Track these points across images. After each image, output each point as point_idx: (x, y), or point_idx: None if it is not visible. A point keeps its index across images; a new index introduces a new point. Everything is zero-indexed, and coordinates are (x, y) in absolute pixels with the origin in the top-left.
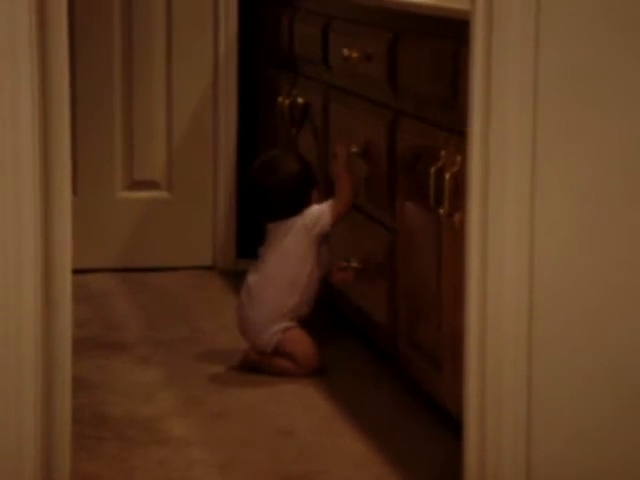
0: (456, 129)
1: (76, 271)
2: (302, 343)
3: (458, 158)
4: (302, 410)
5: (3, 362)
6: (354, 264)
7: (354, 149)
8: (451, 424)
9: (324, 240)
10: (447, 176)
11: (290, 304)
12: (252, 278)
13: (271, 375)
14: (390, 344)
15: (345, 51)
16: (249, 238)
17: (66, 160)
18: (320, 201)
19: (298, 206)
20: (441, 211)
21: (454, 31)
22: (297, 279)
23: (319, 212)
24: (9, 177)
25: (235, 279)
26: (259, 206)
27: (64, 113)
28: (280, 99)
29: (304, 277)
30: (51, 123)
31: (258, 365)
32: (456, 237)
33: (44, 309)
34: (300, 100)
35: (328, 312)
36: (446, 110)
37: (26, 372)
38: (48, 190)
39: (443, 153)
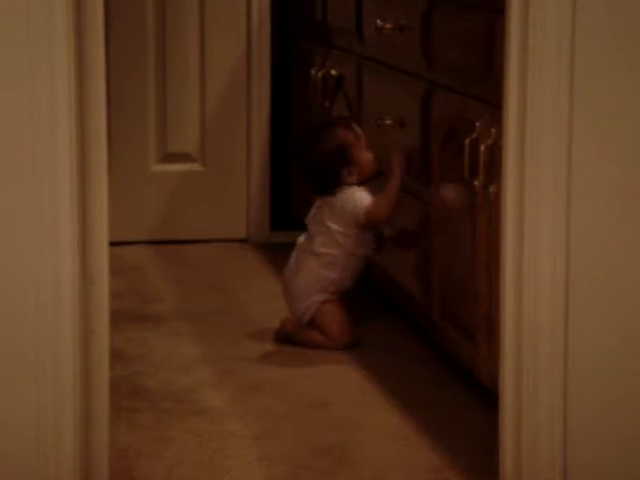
0: (491, 100)
1: (110, 244)
2: (336, 319)
3: (493, 130)
4: (336, 382)
5: (42, 335)
6: (387, 232)
7: (388, 121)
8: (486, 396)
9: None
10: (482, 148)
11: (330, 279)
12: (302, 245)
13: (305, 347)
14: (424, 317)
15: (379, 22)
16: (283, 211)
17: (102, 133)
18: (361, 177)
19: (329, 183)
20: (476, 183)
21: (488, 1)
22: (339, 258)
23: (358, 201)
24: (46, 151)
25: (269, 251)
26: (303, 177)
27: (100, 86)
28: (313, 71)
29: (346, 257)
30: (87, 96)
31: (293, 336)
32: (491, 209)
33: (81, 282)
34: (333, 72)
35: (363, 285)
36: (481, 81)
37: (64, 345)
38: (85, 163)
39: (478, 125)
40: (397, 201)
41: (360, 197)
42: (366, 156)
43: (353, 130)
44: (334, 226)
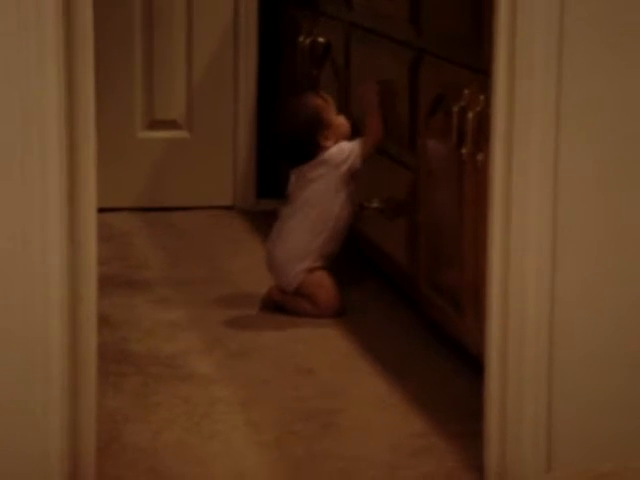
0: (480, 68)
1: (96, 210)
2: (323, 286)
3: (481, 97)
4: (323, 349)
5: (29, 300)
6: (375, 204)
7: (383, 86)
8: (472, 364)
9: (352, 181)
10: (470, 115)
11: (319, 241)
12: (284, 214)
13: (292, 315)
14: (411, 285)
15: None
16: (269, 178)
17: (90, 98)
18: (337, 140)
19: (307, 150)
20: (464, 151)
21: None
22: (326, 216)
23: (349, 149)
24: (34, 116)
25: (255, 219)
26: (276, 153)
27: (88, 52)
28: (301, 38)
29: (333, 214)
30: (75, 62)
31: (280, 304)
32: (478, 177)
33: (69, 247)
34: (321, 39)
35: (350, 254)
36: (469, 49)
37: (52, 309)
38: (72, 129)
39: (466, 92)
40: (383, 132)
41: (349, 145)
42: (339, 119)
43: (321, 96)
44: (321, 187)
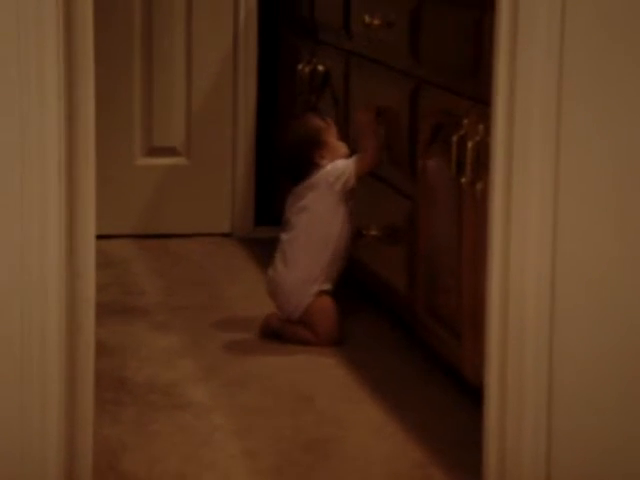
0: (479, 98)
1: (95, 237)
2: (328, 316)
3: (480, 127)
4: (321, 377)
5: (27, 328)
6: (373, 232)
7: (379, 112)
8: (470, 393)
9: (350, 198)
10: (469, 145)
11: (322, 264)
12: (285, 240)
13: (290, 343)
14: (409, 313)
15: (366, 18)
16: (267, 205)
17: (90, 125)
18: (324, 162)
19: (304, 168)
20: (463, 180)
21: None
22: (327, 237)
23: (343, 166)
24: (34, 144)
25: (253, 246)
26: (276, 170)
27: (89, 80)
28: (300, 66)
29: (334, 235)
30: (76, 90)
31: (278, 332)
32: (477, 206)
33: (68, 275)
34: (320, 67)
35: (348, 281)
36: (469, 78)
37: (50, 339)
38: (72, 157)
39: (465, 122)
40: (379, 153)
41: (343, 163)
42: (338, 143)
43: (323, 118)
44: (319, 208)
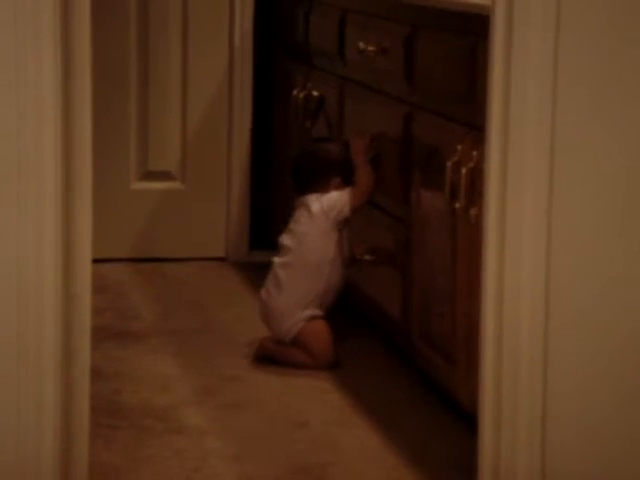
0: (473, 124)
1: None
2: (321, 338)
3: (474, 153)
4: (316, 402)
5: (23, 352)
6: (367, 257)
7: (372, 143)
8: (464, 418)
9: (344, 227)
10: (463, 171)
11: (315, 291)
12: (278, 264)
13: (286, 367)
14: (404, 338)
15: (361, 44)
16: (262, 230)
17: (87, 151)
18: (333, 190)
19: (315, 181)
20: (457, 205)
21: (471, 25)
22: (320, 263)
23: (338, 197)
24: (31, 167)
25: (247, 270)
26: (292, 176)
27: (86, 105)
28: (295, 92)
29: (327, 263)
30: (73, 115)
31: (273, 355)
32: (471, 232)
33: (64, 300)
34: (315, 93)
35: (343, 305)
36: (463, 105)
37: (45, 362)
38: (69, 181)
39: (459, 148)
40: (372, 184)
41: (338, 194)
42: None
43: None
44: (312, 231)
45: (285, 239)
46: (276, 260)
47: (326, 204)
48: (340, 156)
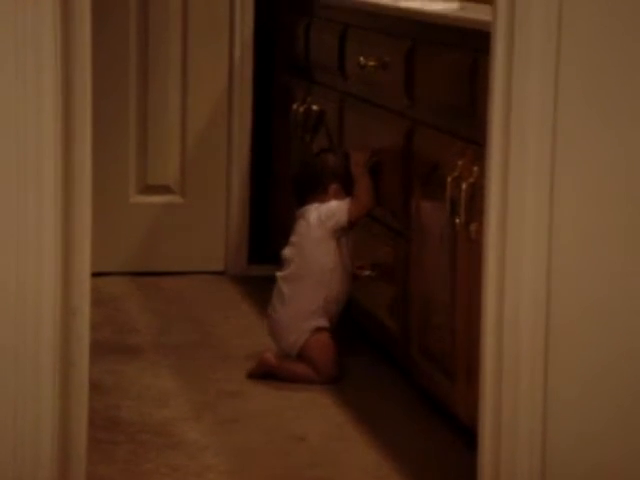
0: (473, 139)
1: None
2: (326, 351)
3: (475, 168)
4: (315, 417)
5: (21, 366)
6: (367, 272)
7: (373, 158)
8: (464, 433)
9: (342, 236)
10: (464, 186)
11: (318, 301)
12: (281, 277)
13: (283, 381)
14: (403, 353)
15: (361, 59)
16: (261, 244)
17: (87, 165)
18: (332, 199)
19: (313, 190)
20: (457, 221)
21: (472, 41)
22: (321, 275)
23: (336, 206)
24: (31, 181)
25: (246, 284)
26: (292, 188)
27: (86, 118)
28: (295, 106)
29: (327, 273)
30: (73, 129)
31: (275, 370)
32: (472, 247)
33: (63, 313)
34: (315, 107)
35: (343, 320)
36: (463, 120)
37: (44, 376)
38: (68, 194)
39: (460, 163)
40: (372, 199)
41: (337, 204)
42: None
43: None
44: (310, 240)
45: (286, 251)
46: (279, 274)
47: (324, 213)
48: (337, 163)
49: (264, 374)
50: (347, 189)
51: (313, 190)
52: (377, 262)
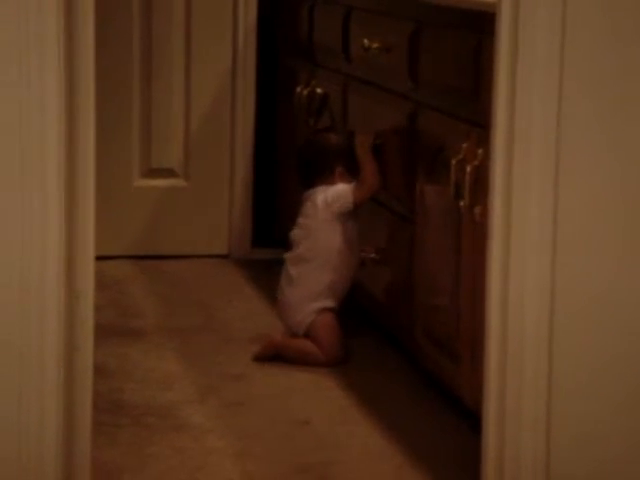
0: (477, 122)
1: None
2: (331, 331)
3: (479, 151)
4: (319, 400)
5: (26, 350)
6: (372, 255)
7: (376, 140)
8: (468, 416)
9: (350, 219)
10: (468, 169)
11: (324, 282)
12: (288, 259)
13: (288, 364)
14: (408, 336)
15: (365, 42)
16: (265, 227)
17: (90, 147)
18: (338, 181)
19: (319, 172)
20: (461, 203)
21: (476, 23)
22: (327, 256)
23: (342, 189)
24: (35, 165)
25: (250, 268)
26: (297, 169)
27: (89, 103)
28: (298, 89)
29: (334, 254)
30: (76, 113)
31: (281, 349)
32: (476, 230)
33: (67, 297)
34: (319, 90)
35: (348, 303)
36: (467, 102)
37: (48, 360)
38: (72, 178)
39: (464, 146)
40: (377, 181)
41: (342, 187)
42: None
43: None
44: (316, 222)
45: (294, 233)
46: (286, 255)
47: (330, 195)
48: (342, 144)
49: (270, 356)
50: (351, 169)
51: (319, 171)
52: (381, 245)
